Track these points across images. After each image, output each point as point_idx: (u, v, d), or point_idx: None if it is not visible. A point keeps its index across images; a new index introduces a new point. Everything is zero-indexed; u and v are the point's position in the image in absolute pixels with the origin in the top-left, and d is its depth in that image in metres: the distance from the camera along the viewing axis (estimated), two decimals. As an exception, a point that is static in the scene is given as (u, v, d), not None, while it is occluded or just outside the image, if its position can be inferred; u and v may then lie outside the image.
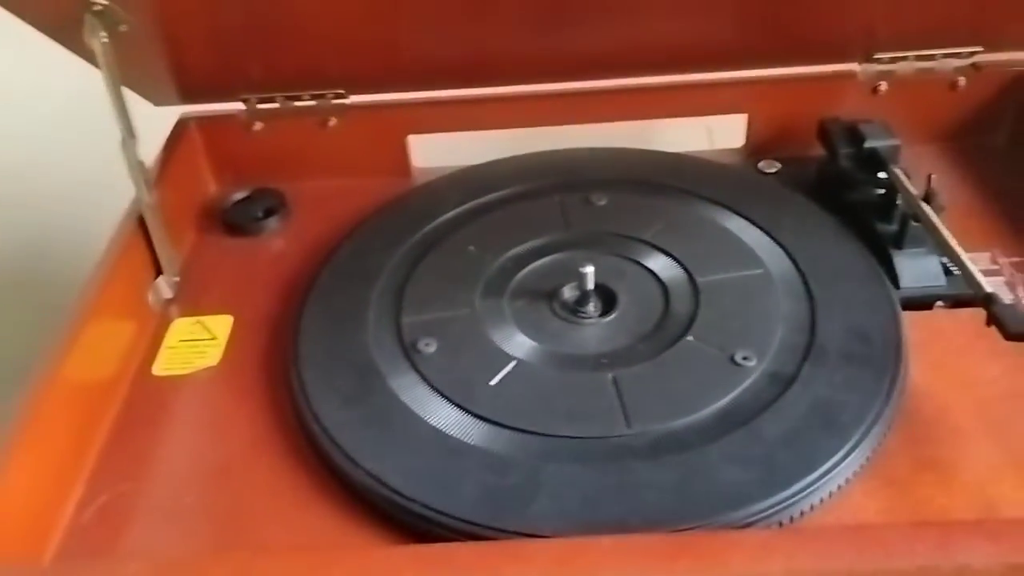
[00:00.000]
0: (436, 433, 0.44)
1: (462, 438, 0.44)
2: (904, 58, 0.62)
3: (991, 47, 0.62)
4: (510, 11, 0.56)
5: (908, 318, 0.50)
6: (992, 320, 0.43)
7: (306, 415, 0.46)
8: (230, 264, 0.60)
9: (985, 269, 0.55)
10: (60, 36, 0.52)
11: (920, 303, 0.52)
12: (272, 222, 0.62)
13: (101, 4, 0.48)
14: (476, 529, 0.39)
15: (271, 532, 0.42)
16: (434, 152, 0.68)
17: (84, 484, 0.45)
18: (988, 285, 0.45)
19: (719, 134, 0.71)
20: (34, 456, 0.42)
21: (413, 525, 0.41)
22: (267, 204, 0.63)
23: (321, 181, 0.65)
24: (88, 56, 0.52)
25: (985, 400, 0.46)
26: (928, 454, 0.44)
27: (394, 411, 0.45)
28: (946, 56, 0.62)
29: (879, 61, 0.63)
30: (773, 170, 0.63)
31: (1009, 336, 0.42)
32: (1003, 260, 0.55)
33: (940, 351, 0.49)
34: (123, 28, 0.50)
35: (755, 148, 0.66)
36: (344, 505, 0.43)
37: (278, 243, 0.62)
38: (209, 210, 0.64)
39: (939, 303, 0.52)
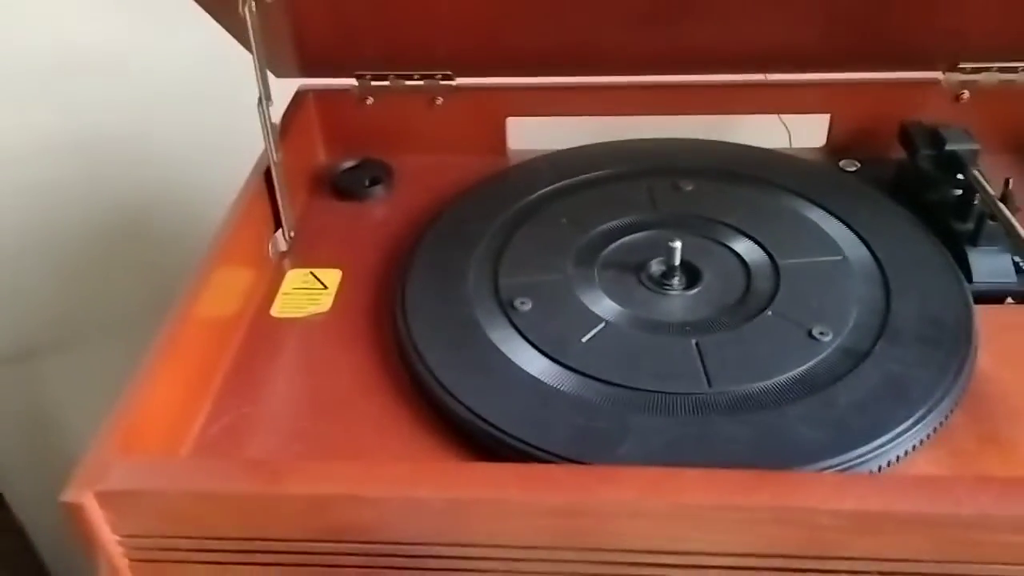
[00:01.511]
0: (532, 380, 0.48)
1: (556, 385, 0.48)
2: (988, 69, 0.65)
3: (1074, 62, 0.64)
4: (617, 6, 0.60)
5: (979, 310, 0.53)
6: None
7: (411, 356, 0.50)
8: (338, 225, 0.65)
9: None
10: (210, 4, 0.57)
11: (991, 297, 0.55)
12: (378, 190, 0.67)
13: (256, -27, 0.53)
14: (567, 464, 0.43)
15: (378, 459, 0.47)
16: (529, 135, 0.72)
17: (211, 404, 0.50)
18: (1059, 277, 0.48)
19: (803, 132, 0.74)
20: (171, 375, 0.47)
21: (511, 459, 0.45)
22: (374, 173, 0.68)
23: (424, 156, 0.70)
24: (230, 25, 0.58)
25: (1049, 388, 0.49)
26: (990, 431, 0.46)
27: (493, 359, 0.50)
28: (1029, 69, 0.65)
29: (963, 71, 0.65)
30: (853, 168, 0.66)
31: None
32: (1074, 264, 0.57)
33: (1008, 342, 0.52)
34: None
35: (836, 147, 0.69)
36: (445, 439, 0.47)
37: (382, 209, 0.67)
38: (319, 176, 0.69)
39: (1009, 300, 0.55)
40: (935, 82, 0.66)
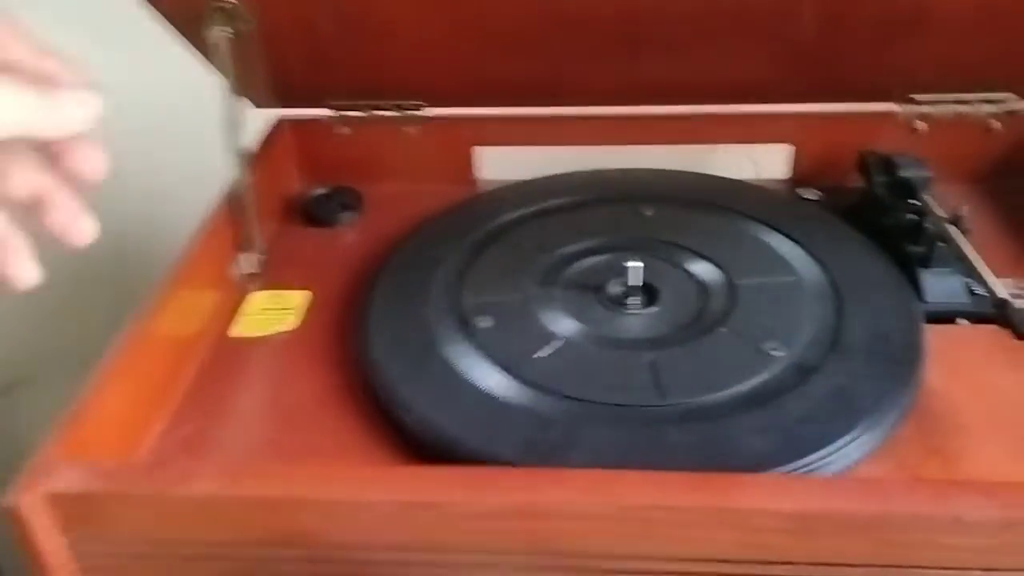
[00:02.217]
0: (487, 395, 0.49)
1: (510, 400, 0.48)
2: (941, 101, 0.67)
3: (1024, 94, 0.66)
4: (588, 40, 0.62)
5: (930, 330, 0.54)
6: (1005, 322, 0.47)
7: (370, 368, 0.51)
8: (308, 250, 0.66)
9: (1012, 292, 0.58)
10: (186, 31, 0.59)
11: (943, 318, 0.56)
12: (347, 216, 0.68)
13: (230, 2, 0.55)
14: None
15: (336, 468, 0.47)
16: (499, 165, 0.74)
17: (169, 418, 0.51)
18: (1004, 291, 0.49)
19: (768, 165, 0.76)
20: (123, 387, 0.47)
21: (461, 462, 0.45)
22: (344, 200, 0.69)
23: (395, 184, 0.72)
24: (208, 54, 0.59)
25: (995, 406, 0.49)
26: (936, 444, 0.47)
27: (450, 374, 0.50)
28: (981, 101, 0.67)
29: (917, 102, 0.67)
30: (814, 197, 0.68)
31: (1020, 335, 0.46)
32: (1025, 286, 0.58)
33: (957, 360, 0.52)
34: (245, 27, 0.57)
35: (799, 178, 0.71)
36: (402, 450, 0.48)
37: (352, 235, 0.68)
38: (291, 203, 0.71)
39: (961, 320, 0.56)
40: (892, 114, 0.68)
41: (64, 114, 0.36)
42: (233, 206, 0.61)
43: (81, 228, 0.40)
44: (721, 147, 0.76)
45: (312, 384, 0.53)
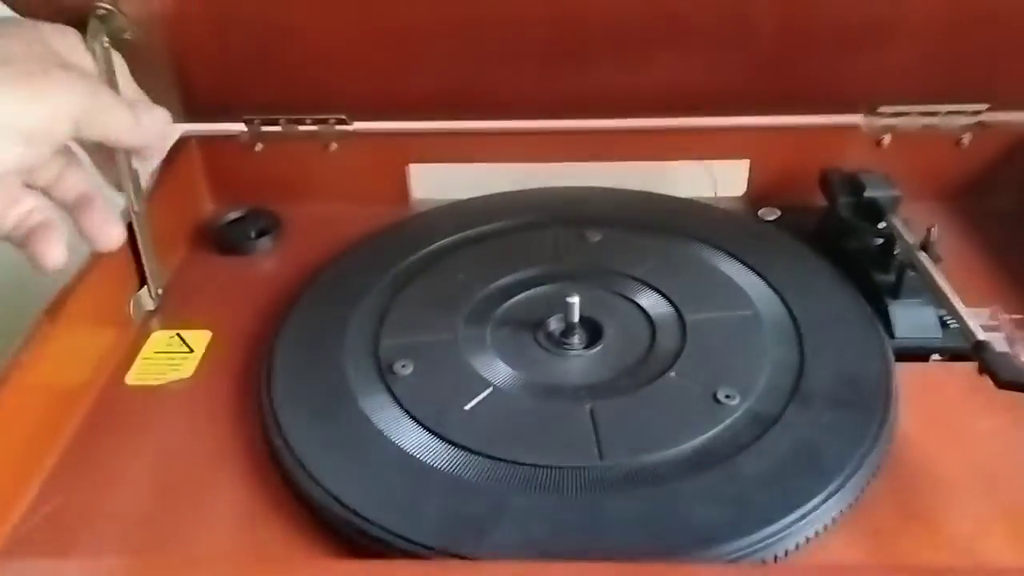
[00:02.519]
0: (403, 455, 0.43)
1: (429, 462, 0.42)
2: (908, 112, 0.62)
3: (998, 105, 0.61)
4: (514, 48, 0.56)
5: (902, 369, 0.49)
6: (983, 368, 0.42)
7: (271, 429, 0.45)
8: (218, 281, 0.59)
9: (985, 325, 0.53)
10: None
11: (915, 354, 0.50)
12: (264, 243, 0.62)
13: (105, 8, 0.49)
14: (432, 554, 0.38)
15: (222, 546, 0.41)
16: (436, 183, 0.68)
17: (39, 487, 0.44)
18: (981, 333, 0.44)
19: (728, 181, 0.71)
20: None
21: (370, 547, 0.39)
22: (261, 224, 0.62)
23: (320, 205, 0.65)
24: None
25: (978, 453, 0.44)
26: (914, 505, 0.42)
27: (362, 431, 0.44)
28: (951, 113, 0.62)
29: (883, 115, 0.62)
30: (773, 217, 0.63)
31: (1000, 384, 0.41)
32: (1003, 316, 0.53)
33: (933, 403, 0.47)
34: (127, 35, 0.51)
35: (757, 195, 0.66)
36: (302, 523, 0.42)
37: (269, 264, 0.61)
38: (203, 228, 0.64)
39: (936, 356, 0.51)
40: (856, 127, 0.63)
41: (148, 132, 0.45)
42: (128, 234, 0.55)
43: (111, 232, 0.45)
44: (678, 163, 0.70)
45: (207, 444, 0.46)
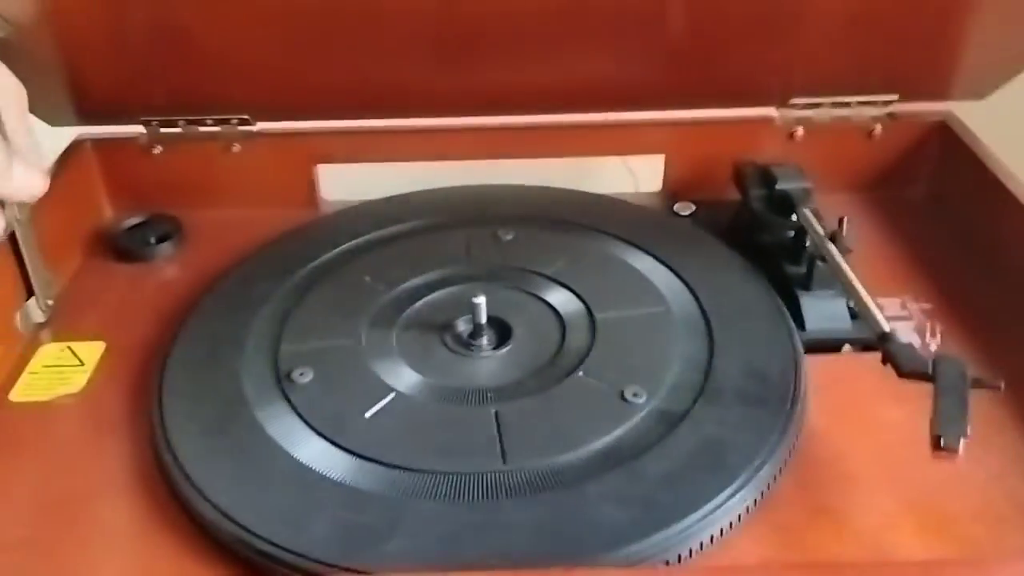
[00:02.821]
0: (298, 467, 0.41)
1: (325, 472, 0.41)
2: (820, 104, 0.62)
3: (907, 96, 0.62)
4: (412, 42, 0.55)
5: (813, 361, 0.48)
6: (886, 358, 0.41)
7: (160, 444, 0.42)
8: (115, 290, 0.57)
9: (895, 315, 0.53)
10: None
11: (827, 346, 0.50)
12: (164, 249, 0.59)
13: (-26, 3, 0.46)
14: (324, 568, 0.36)
15: (107, 569, 0.39)
16: (347, 184, 0.66)
17: (-91, 514, 0.41)
18: (886, 324, 0.44)
19: (641, 177, 0.70)
20: None
21: (260, 564, 0.37)
22: (161, 230, 0.60)
23: (224, 210, 0.63)
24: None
25: (885, 445, 0.44)
26: (822, 499, 0.41)
27: (256, 443, 0.42)
28: (862, 104, 0.62)
29: (795, 107, 0.62)
30: (687, 212, 0.62)
31: (901, 374, 0.40)
32: (913, 306, 0.54)
33: (843, 395, 0.47)
34: (1, 34, 0.48)
35: (673, 191, 0.65)
36: (195, 542, 0.39)
37: (169, 271, 0.59)
38: (101, 235, 0.61)
39: (847, 347, 0.51)
40: (769, 120, 0.63)
41: (13, 186, 0.44)
42: (12, 242, 0.52)
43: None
44: (597, 160, 0.69)
45: (96, 461, 0.44)
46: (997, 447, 0.44)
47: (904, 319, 0.53)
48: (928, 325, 0.52)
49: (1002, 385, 0.39)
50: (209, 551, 0.39)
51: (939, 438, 0.37)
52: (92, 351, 0.51)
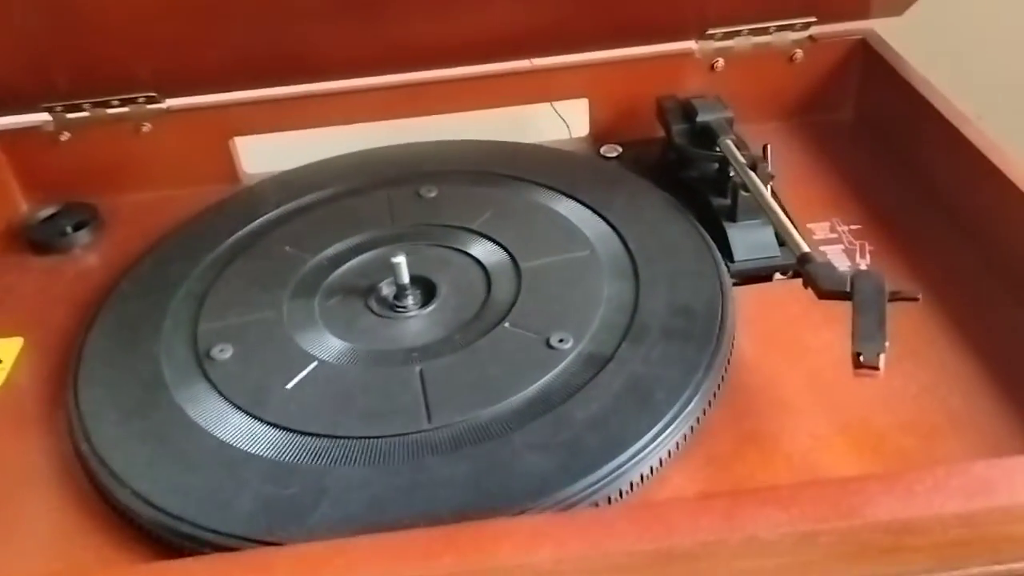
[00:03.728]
0: (219, 445, 0.40)
1: (246, 448, 0.40)
2: (739, 33, 0.61)
3: (826, 18, 0.61)
4: (311, 3, 0.53)
5: (744, 292, 0.48)
6: (806, 280, 0.41)
7: (77, 434, 0.41)
8: (31, 284, 0.55)
9: (824, 238, 0.53)
10: None
11: (759, 275, 0.50)
12: (81, 237, 0.58)
13: None
14: (249, 545, 0.35)
15: (28, 562, 0.38)
16: (267, 156, 0.64)
17: None
18: (805, 246, 0.43)
19: (575, 122, 0.69)
20: None
21: (184, 546, 0.36)
22: (76, 219, 0.58)
23: (143, 193, 0.61)
24: None
25: (816, 368, 0.44)
26: (751, 428, 0.41)
27: (176, 424, 0.41)
28: (781, 28, 0.61)
29: (714, 37, 0.61)
30: (614, 154, 0.61)
31: (821, 294, 0.40)
32: (842, 228, 0.53)
33: (774, 322, 0.47)
34: None
35: (601, 133, 0.64)
36: (119, 531, 0.39)
37: (88, 260, 0.57)
38: (18, 229, 0.59)
39: (778, 275, 0.50)
40: (689, 53, 0.62)
41: None
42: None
43: None
44: (525, 108, 0.68)
45: (15, 459, 0.43)
46: (927, 360, 0.44)
47: (833, 242, 0.52)
48: (858, 245, 0.52)
49: (919, 296, 0.38)
50: (132, 538, 0.38)
51: (859, 355, 0.37)
52: (10, 347, 0.49)
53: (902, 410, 0.41)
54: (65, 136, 0.59)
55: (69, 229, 0.58)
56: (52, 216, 0.59)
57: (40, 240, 0.57)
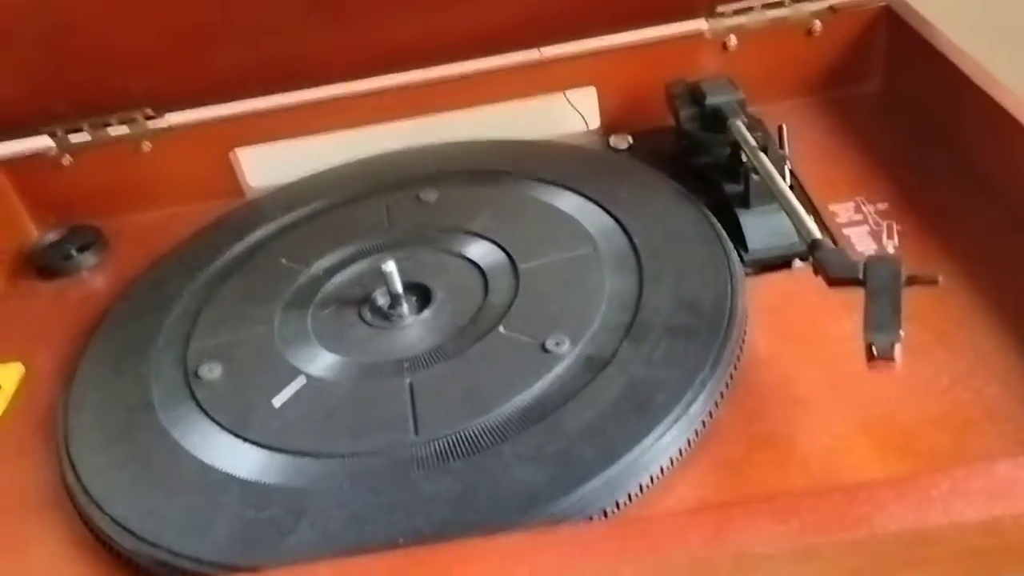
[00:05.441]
0: (201, 468, 0.39)
1: (228, 470, 0.38)
2: (751, 8, 0.57)
3: (844, -14, 0.57)
4: (290, 10, 0.51)
5: (760, 282, 0.45)
6: (816, 267, 0.38)
7: (63, 460, 0.40)
8: (37, 309, 0.55)
9: (848, 220, 0.49)
10: None
11: (776, 264, 0.47)
12: (87, 260, 0.57)
13: None
14: (223, 572, 0.34)
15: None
16: (271, 167, 0.63)
17: None
18: (817, 231, 0.40)
19: (589, 113, 0.66)
20: None
21: (162, 574, 0.35)
22: (80, 242, 0.58)
23: (148, 212, 0.61)
24: None
25: (836, 361, 0.40)
26: (764, 430, 0.38)
27: (160, 448, 0.40)
28: (796, 0, 0.57)
29: (724, 15, 0.58)
30: (625, 145, 0.58)
31: (831, 282, 0.37)
32: (868, 208, 0.49)
33: (791, 313, 0.43)
34: None
35: (612, 124, 0.61)
36: (97, 557, 0.38)
37: (94, 282, 0.57)
38: (26, 254, 0.59)
39: (798, 263, 0.47)
40: (700, 33, 0.59)
41: None
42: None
43: None
44: (539, 103, 0.65)
45: (10, 488, 0.42)
46: (960, 347, 0.40)
47: (858, 224, 0.49)
48: (884, 226, 0.48)
49: (939, 279, 0.35)
50: (113, 564, 0.37)
51: (871, 346, 0.33)
52: (10, 374, 0.49)
53: (932, 403, 0.38)
54: (67, 160, 0.59)
55: (74, 252, 0.57)
56: (58, 240, 0.59)
57: (46, 264, 0.57)
